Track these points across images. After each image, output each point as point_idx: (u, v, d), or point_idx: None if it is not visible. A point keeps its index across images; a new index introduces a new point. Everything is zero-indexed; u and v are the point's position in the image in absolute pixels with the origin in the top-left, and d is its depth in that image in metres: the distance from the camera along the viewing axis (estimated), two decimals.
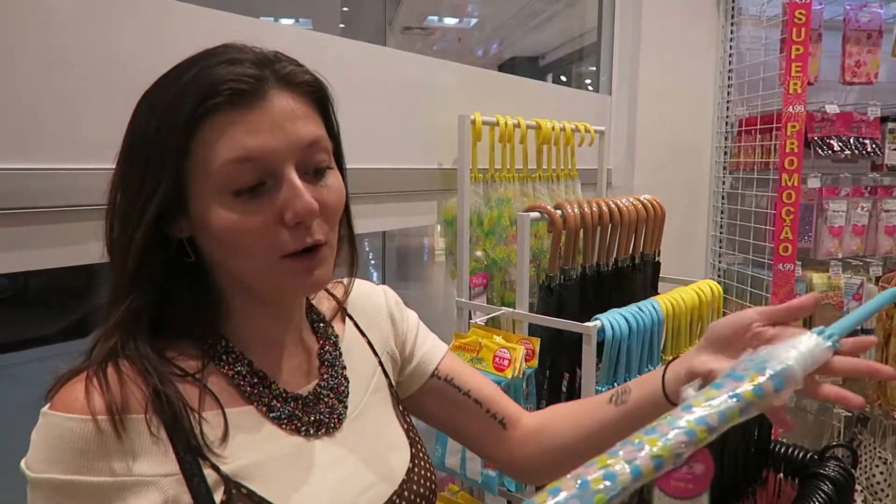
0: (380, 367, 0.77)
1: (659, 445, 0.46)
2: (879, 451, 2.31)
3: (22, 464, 0.52)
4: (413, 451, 0.72)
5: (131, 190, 0.56)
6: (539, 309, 1.54)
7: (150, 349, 0.57)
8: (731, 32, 2.36)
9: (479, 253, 1.68)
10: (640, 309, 1.42)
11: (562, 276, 1.55)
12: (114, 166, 0.59)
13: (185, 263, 0.60)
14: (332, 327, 0.74)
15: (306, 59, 0.62)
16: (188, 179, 0.56)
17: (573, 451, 0.74)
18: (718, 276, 2.38)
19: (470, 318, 1.60)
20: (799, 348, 0.53)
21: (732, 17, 2.36)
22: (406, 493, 0.68)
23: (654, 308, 1.44)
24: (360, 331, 0.77)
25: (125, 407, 0.53)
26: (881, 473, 2.29)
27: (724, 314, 2.09)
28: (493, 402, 0.81)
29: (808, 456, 1.39)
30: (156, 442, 0.53)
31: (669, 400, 0.65)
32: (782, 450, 1.43)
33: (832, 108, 2.16)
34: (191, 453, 0.55)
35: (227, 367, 0.61)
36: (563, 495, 0.43)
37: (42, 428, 0.53)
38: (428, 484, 0.72)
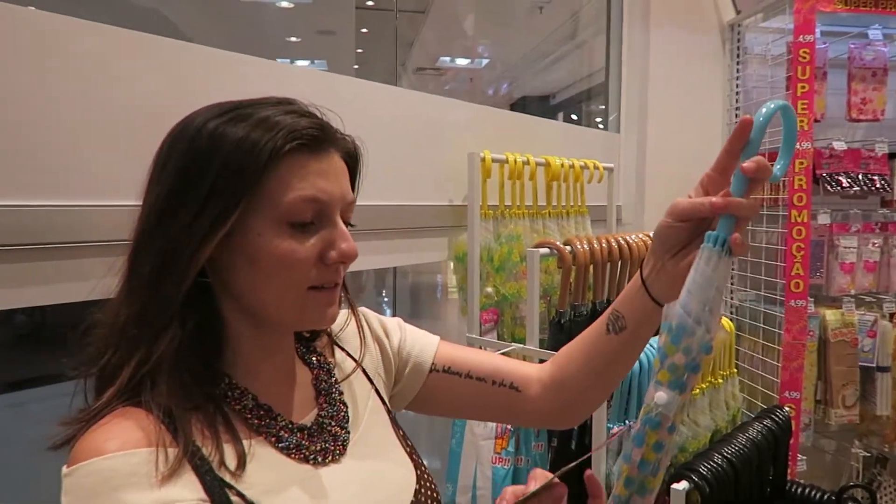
0: (374, 391, 0.78)
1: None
2: None
3: None
4: (418, 472, 0.74)
5: (185, 215, 0.58)
6: (549, 345, 1.54)
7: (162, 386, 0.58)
8: (738, 71, 2.39)
9: (489, 289, 1.69)
10: (650, 346, 1.42)
11: (572, 312, 1.55)
12: (142, 196, 0.61)
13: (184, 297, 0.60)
14: (324, 355, 0.76)
15: (321, 99, 0.67)
16: (248, 207, 0.59)
17: (592, 388, 0.80)
18: (731, 313, 2.37)
19: None
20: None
21: (738, 56, 2.40)
22: None
23: None
24: (351, 357, 0.79)
25: (152, 440, 0.54)
26: None
27: (737, 352, 2.07)
28: (497, 373, 0.82)
29: (826, 497, 1.37)
30: (185, 471, 0.55)
31: (660, 305, 0.67)
32: (798, 490, 1.41)
33: (840, 145, 2.17)
34: (217, 483, 0.56)
35: (234, 403, 0.63)
36: None
37: (73, 486, 0.52)
38: None
